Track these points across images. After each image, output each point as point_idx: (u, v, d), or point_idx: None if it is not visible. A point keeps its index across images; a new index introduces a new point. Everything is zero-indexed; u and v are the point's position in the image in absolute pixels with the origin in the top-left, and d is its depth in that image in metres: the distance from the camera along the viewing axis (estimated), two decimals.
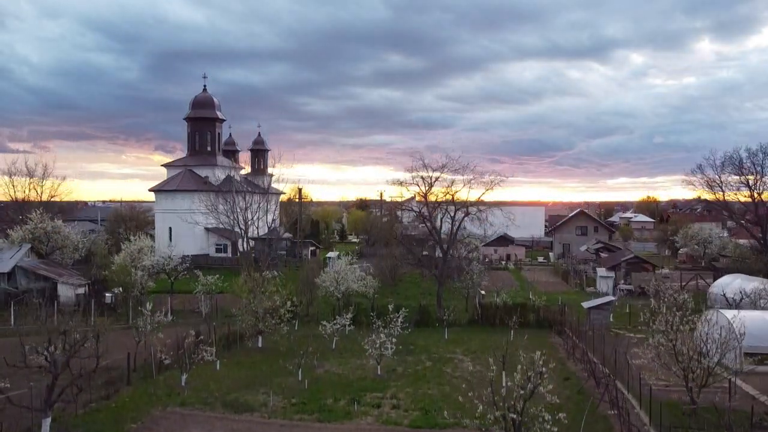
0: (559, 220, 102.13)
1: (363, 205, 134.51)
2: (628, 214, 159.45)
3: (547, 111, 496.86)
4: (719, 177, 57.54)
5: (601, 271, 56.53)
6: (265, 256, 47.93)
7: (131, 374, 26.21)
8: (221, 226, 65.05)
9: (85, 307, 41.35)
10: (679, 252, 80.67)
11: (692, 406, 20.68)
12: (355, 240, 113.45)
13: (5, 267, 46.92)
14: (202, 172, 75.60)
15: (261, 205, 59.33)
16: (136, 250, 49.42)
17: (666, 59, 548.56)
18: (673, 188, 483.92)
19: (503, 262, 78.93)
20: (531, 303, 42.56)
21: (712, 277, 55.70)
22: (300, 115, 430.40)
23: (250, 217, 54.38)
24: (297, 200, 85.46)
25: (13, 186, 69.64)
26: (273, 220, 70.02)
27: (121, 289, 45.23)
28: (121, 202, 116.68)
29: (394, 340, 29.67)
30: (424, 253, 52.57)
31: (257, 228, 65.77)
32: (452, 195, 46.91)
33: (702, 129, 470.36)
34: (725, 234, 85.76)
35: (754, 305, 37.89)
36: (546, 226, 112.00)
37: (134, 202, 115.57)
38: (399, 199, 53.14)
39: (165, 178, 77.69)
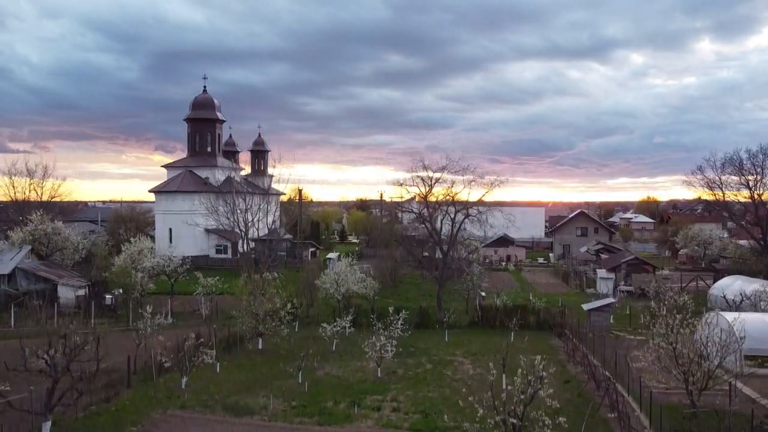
0: (559, 220, 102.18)
1: (363, 205, 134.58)
2: (628, 215, 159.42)
3: (547, 111, 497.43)
4: (719, 178, 57.61)
5: (602, 273, 56.52)
6: (266, 258, 47.90)
7: (131, 377, 26.19)
8: (221, 227, 65.10)
9: (85, 308, 41.39)
10: (680, 253, 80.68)
11: (692, 410, 20.67)
12: (355, 241, 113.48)
13: (5, 269, 46.92)
14: (203, 173, 75.62)
15: (261, 207, 59.30)
16: (136, 252, 49.44)
17: (666, 59, 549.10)
18: (673, 188, 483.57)
19: (503, 263, 78.91)
20: (531, 305, 42.54)
21: (712, 278, 55.70)
22: (300, 115, 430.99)
23: (250, 218, 54.38)
24: (297, 201, 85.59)
25: (14, 187, 69.75)
26: (273, 221, 70.01)
27: (121, 290, 45.23)
28: (121, 202, 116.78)
29: (394, 342, 29.67)
30: (425, 254, 52.58)
31: (257, 229, 65.80)
32: (452, 196, 46.95)
33: (702, 129, 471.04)
34: (725, 235, 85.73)
35: (754, 307, 37.90)
36: (546, 227, 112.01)
37: (134, 202, 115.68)
38: (399, 200, 53.20)
39: (165, 179, 77.75)
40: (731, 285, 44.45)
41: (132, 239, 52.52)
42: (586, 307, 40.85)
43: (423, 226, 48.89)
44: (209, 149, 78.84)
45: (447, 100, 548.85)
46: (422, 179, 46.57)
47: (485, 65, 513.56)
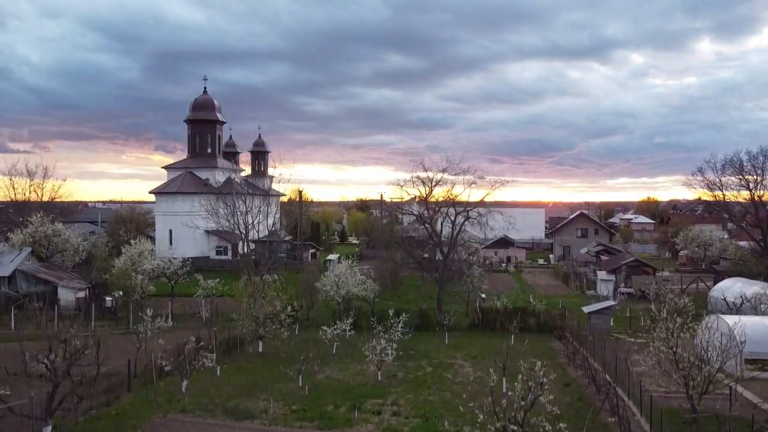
0: (559, 222, 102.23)
1: (363, 206, 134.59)
2: (628, 215, 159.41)
3: (547, 111, 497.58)
4: (719, 180, 57.61)
5: (602, 275, 56.52)
6: (266, 260, 47.88)
7: (132, 380, 26.18)
8: (222, 228, 65.08)
9: (85, 311, 41.37)
10: (680, 254, 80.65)
11: (693, 415, 20.66)
12: (355, 241, 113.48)
13: (6, 271, 46.92)
14: (203, 174, 75.65)
15: (261, 209, 59.34)
16: (136, 254, 49.41)
17: (666, 59, 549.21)
18: (673, 188, 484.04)
19: (503, 265, 78.89)
20: (531, 307, 42.52)
21: (712, 280, 55.68)
22: (300, 115, 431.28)
23: (250, 220, 54.41)
24: (297, 201, 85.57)
25: (14, 188, 69.74)
26: (273, 223, 70.01)
27: (121, 292, 45.23)
28: (121, 202, 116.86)
29: (394, 345, 29.68)
30: (425, 255, 52.58)
31: (257, 232, 65.78)
32: (453, 198, 46.95)
33: (702, 129, 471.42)
34: (725, 236, 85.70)
35: (755, 310, 37.88)
36: (546, 228, 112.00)
37: (134, 202, 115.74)
38: (399, 201, 53.24)
39: (165, 179, 77.76)
40: (731, 287, 44.43)
41: (132, 241, 52.51)
42: (586, 309, 40.85)
43: (423, 227, 48.89)
44: (209, 150, 78.89)
45: (447, 100, 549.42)
46: (422, 181, 46.62)
47: (485, 65, 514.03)
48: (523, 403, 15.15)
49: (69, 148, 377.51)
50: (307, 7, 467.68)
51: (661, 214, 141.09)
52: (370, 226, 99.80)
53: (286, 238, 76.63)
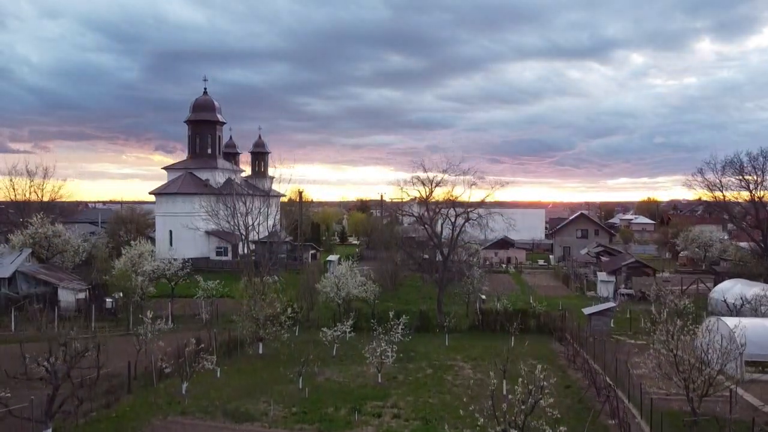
0: (559, 222, 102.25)
1: (363, 206, 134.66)
2: (628, 216, 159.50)
3: (548, 111, 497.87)
4: (719, 180, 57.64)
5: (602, 276, 56.51)
6: (266, 261, 47.86)
7: (132, 382, 26.19)
8: (222, 229, 65.02)
9: (85, 312, 41.37)
10: (680, 255, 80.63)
11: (693, 418, 20.64)
12: (355, 242, 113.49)
13: (6, 272, 46.92)
14: (203, 175, 75.68)
15: (262, 210, 59.36)
16: (136, 255, 49.42)
17: (666, 59, 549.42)
18: (673, 188, 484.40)
19: (504, 266, 78.90)
20: (532, 308, 42.51)
21: (712, 281, 55.67)
22: (300, 115, 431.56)
23: (250, 222, 54.44)
24: (297, 201, 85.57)
25: (14, 189, 69.74)
26: (273, 225, 69.99)
27: (121, 294, 45.23)
28: (121, 203, 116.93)
29: (394, 347, 29.67)
30: (425, 256, 52.60)
31: (257, 233, 65.76)
32: (453, 199, 46.92)
33: (702, 129, 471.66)
34: (726, 237, 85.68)
35: (755, 311, 37.87)
36: (546, 229, 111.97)
37: (134, 203, 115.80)
38: (399, 201, 53.22)
39: (165, 179, 77.77)
40: (732, 288, 44.40)
41: (132, 242, 52.52)
42: (586, 311, 40.84)
43: (423, 228, 48.88)
44: (209, 151, 78.95)
45: (447, 100, 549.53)
46: (422, 182, 46.60)
47: (485, 65, 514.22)
48: (523, 407, 15.14)
49: (69, 148, 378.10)
50: (307, 7, 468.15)
51: (662, 214, 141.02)
52: (371, 226, 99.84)
53: (287, 239, 76.64)
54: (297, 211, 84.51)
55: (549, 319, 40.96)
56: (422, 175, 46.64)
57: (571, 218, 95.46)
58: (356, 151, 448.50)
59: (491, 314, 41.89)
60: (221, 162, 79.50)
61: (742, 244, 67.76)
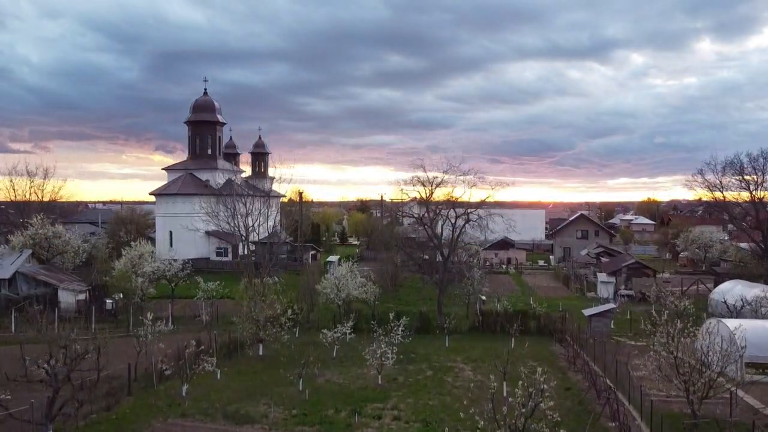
0: (559, 223, 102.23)
1: (363, 207, 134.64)
2: (628, 216, 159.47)
3: (548, 111, 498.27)
4: (720, 181, 57.65)
5: (602, 277, 56.51)
6: (266, 262, 47.87)
7: (132, 384, 26.18)
8: (222, 230, 65.02)
9: (85, 313, 41.38)
10: (680, 256, 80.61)
11: (693, 420, 20.64)
12: (355, 242, 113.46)
13: (6, 273, 46.94)
14: (203, 175, 75.67)
15: (262, 211, 59.36)
16: (136, 256, 49.42)
17: (666, 59, 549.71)
18: (673, 189, 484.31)
19: (504, 266, 78.89)
20: (532, 310, 42.49)
21: (713, 282, 55.66)
22: (300, 115, 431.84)
23: (251, 223, 54.46)
24: (297, 202, 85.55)
25: (14, 189, 69.75)
26: (273, 225, 69.98)
27: (121, 295, 45.22)
28: (121, 203, 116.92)
29: (395, 348, 29.66)
30: (425, 257, 52.63)
31: (258, 234, 65.75)
32: (454, 200, 46.91)
33: (702, 129, 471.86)
34: (726, 237, 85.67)
35: (755, 313, 37.85)
36: (546, 230, 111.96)
37: (135, 203, 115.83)
38: (399, 201, 53.19)
39: (165, 179, 77.76)
40: (732, 289, 44.39)
41: (132, 243, 52.49)
42: (586, 312, 40.82)
43: (423, 228, 48.87)
44: (210, 152, 78.92)
45: (447, 100, 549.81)
46: (422, 183, 46.58)
47: (485, 65, 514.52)
48: (524, 410, 15.15)
49: (69, 148, 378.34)
50: (307, 7, 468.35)
51: (662, 215, 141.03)
52: (371, 227, 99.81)
53: (287, 240, 76.62)
54: (297, 211, 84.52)
55: (549, 320, 40.94)
56: (422, 175, 46.68)
57: (571, 219, 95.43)
58: (356, 151, 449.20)
59: (491, 315, 41.88)
60: (221, 162, 79.48)
61: (743, 244, 67.75)
